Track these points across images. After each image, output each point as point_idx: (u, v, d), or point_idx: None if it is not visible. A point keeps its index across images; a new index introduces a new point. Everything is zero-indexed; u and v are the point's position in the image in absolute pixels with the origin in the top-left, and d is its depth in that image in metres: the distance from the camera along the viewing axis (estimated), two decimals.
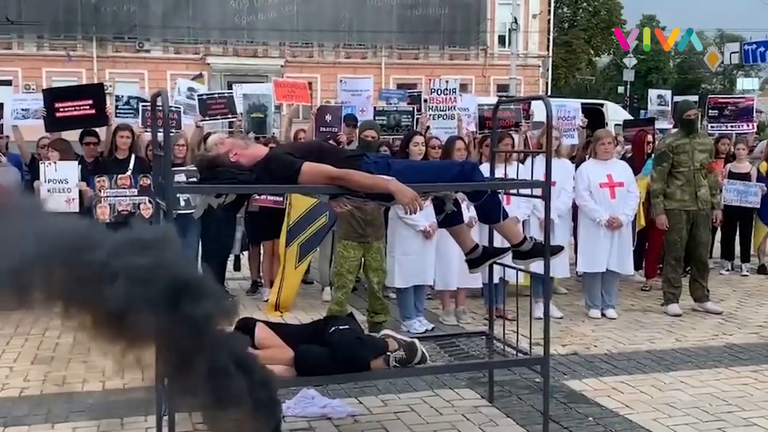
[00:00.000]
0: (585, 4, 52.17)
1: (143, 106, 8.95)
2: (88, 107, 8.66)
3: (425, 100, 10.62)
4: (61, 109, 8.63)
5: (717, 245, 10.75)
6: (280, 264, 8.37)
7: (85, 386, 5.68)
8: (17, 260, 2.61)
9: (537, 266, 4.98)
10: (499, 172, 5.63)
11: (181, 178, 7.34)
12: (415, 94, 12.14)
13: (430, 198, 4.88)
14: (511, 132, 8.91)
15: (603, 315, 8.09)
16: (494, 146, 5.94)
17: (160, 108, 4.34)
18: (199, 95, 9.68)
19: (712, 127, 11.62)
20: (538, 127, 9.62)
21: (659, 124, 11.59)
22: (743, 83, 36.31)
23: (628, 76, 40.76)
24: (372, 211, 7.02)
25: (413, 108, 10.43)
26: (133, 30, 36.39)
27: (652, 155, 9.16)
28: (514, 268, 5.15)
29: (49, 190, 7.69)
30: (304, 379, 4.59)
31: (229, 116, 9.75)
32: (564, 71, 47.81)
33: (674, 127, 9.90)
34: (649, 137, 10.01)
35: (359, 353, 4.46)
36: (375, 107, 10.60)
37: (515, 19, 34.97)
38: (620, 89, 46.44)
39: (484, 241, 5.36)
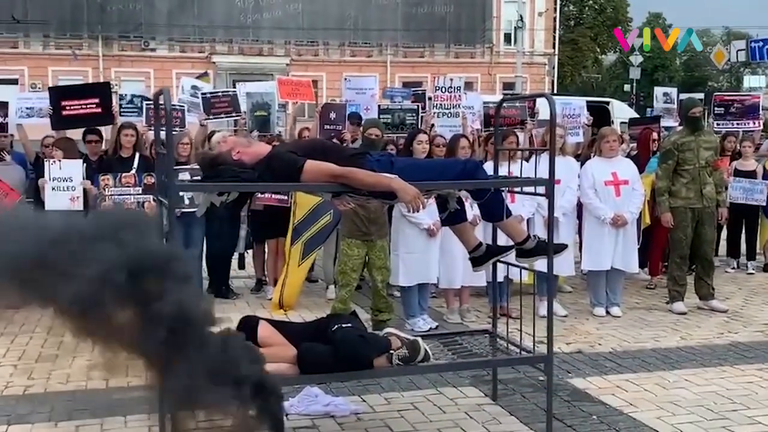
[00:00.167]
0: (591, 1, 52.03)
1: (147, 104, 8.95)
2: (94, 106, 8.71)
3: (429, 98, 10.61)
4: (68, 108, 8.67)
5: (723, 243, 10.73)
6: (285, 262, 8.37)
7: (89, 384, 5.68)
8: None
9: (541, 264, 4.97)
10: (503, 170, 5.62)
11: (185, 176, 7.40)
12: (420, 92, 12.12)
13: (434, 196, 4.87)
14: (515, 130, 8.90)
15: (608, 313, 8.07)
16: (498, 144, 5.93)
17: (163, 106, 4.34)
18: (203, 94, 9.69)
19: (718, 124, 11.60)
20: (544, 125, 9.58)
21: (665, 122, 11.56)
22: (750, 81, 36.24)
23: (635, 74, 40.69)
24: (375, 210, 7.01)
25: (418, 106, 10.42)
26: (138, 29, 36.43)
27: (657, 153, 9.14)
28: (517, 266, 5.14)
29: (53, 189, 7.70)
30: (307, 377, 4.58)
31: (233, 115, 9.75)
32: (570, 69, 47.72)
33: (680, 124, 9.87)
34: (655, 135, 10.00)
35: (362, 351, 4.45)
36: (379, 105, 10.59)
37: (521, 16, 34.92)
38: (626, 87, 46.38)
39: (488, 240, 5.35)
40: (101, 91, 9.12)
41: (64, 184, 7.75)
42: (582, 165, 8.42)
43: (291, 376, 4.43)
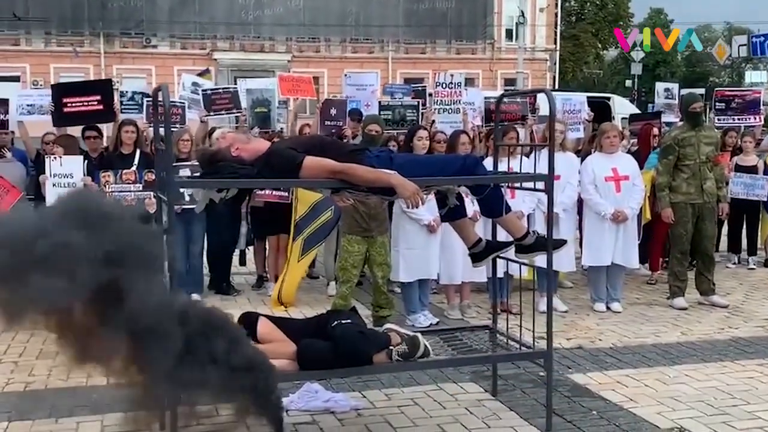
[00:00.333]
0: None
1: (147, 101, 8.96)
2: (96, 103, 8.73)
3: (430, 95, 10.61)
4: (69, 105, 8.70)
5: (724, 238, 10.72)
6: (287, 259, 8.37)
7: (90, 381, 5.68)
8: None
9: (541, 260, 4.97)
10: (503, 166, 5.62)
11: (185, 173, 7.41)
12: (420, 88, 12.11)
13: (433, 192, 4.87)
14: (516, 125, 8.90)
15: (608, 308, 8.06)
16: (498, 140, 5.92)
17: (162, 103, 4.35)
18: (203, 90, 9.69)
19: (719, 120, 11.59)
20: (544, 120, 9.58)
21: (666, 118, 11.56)
22: (751, 76, 36.19)
23: (636, 69, 40.65)
24: (375, 206, 7.02)
25: (418, 102, 10.42)
26: (140, 25, 36.49)
27: (657, 148, 9.14)
28: (517, 262, 5.14)
29: (54, 185, 7.70)
30: (307, 373, 4.59)
31: (234, 111, 9.76)
32: (571, 65, 47.68)
33: (680, 120, 9.86)
34: (655, 131, 9.99)
35: (361, 347, 4.46)
36: (380, 102, 10.59)
37: (522, 12, 34.95)
38: (628, 83, 46.32)
39: (487, 236, 5.35)
40: (103, 88, 9.14)
41: (65, 181, 7.75)
42: (582, 161, 8.41)
43: (291, 372, 4.44)
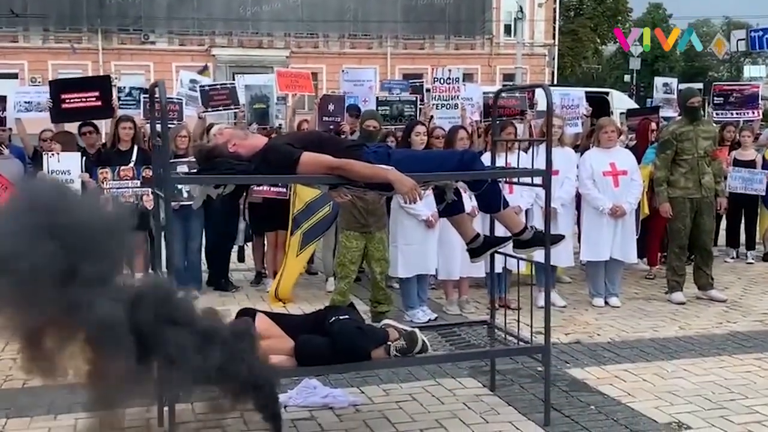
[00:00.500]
0: None
1: (145, 97, 8.95)
2: (94, 99, 8.72)
3: (428, 90, 10.59)
4: (68, 101, 8.69)
5: (722, 233, 10.73)
6: (285, 254, 8.37)
7: None
8: None
9: (539, 255, 4.97)
10: (501, 161, 5.61)
11: (183, 169, 7.40)
12: (417, 84, 12.10)
13: (431, 187, 4.87)
14: (514, 120, 8.89)
15: (606, 303, 8.08)
16: (495, 135, 5.92)
17: (158, 99, 4.34)
18: (201, 86, 9.68)
19: (717, 114, 11.58)
20: (543, 116, 9.58)
21: (665, 112, 11.54)
22: (750, 71, 36.16)
23: (635, 64, 40.57)
24: (373, 201, 7.00)
25: (416, 98, 10.40)
26: (138, 22, 36.44)
27: (654, 143, 9.14)
28: (515, 257, 5.14)
29: None
30: (305, 369, 4.59)
31: (232, 107, 9.74)
32: (570, 60, 47.62)
33: (678, 114, 9.86)
34: (653, 125, 9.98)
35: (359, 343, 4.46)
36: (378, 97, 10.57)
37: (521, 7, 34.92)
38: (627, 78, 46.25)
39: (486, 231, 5.34)
40: (101, 84, 9.13)
41: (63, 177, 7.74)
42: (581, 156, 8.41)
43: (289, 368, 4.44)
